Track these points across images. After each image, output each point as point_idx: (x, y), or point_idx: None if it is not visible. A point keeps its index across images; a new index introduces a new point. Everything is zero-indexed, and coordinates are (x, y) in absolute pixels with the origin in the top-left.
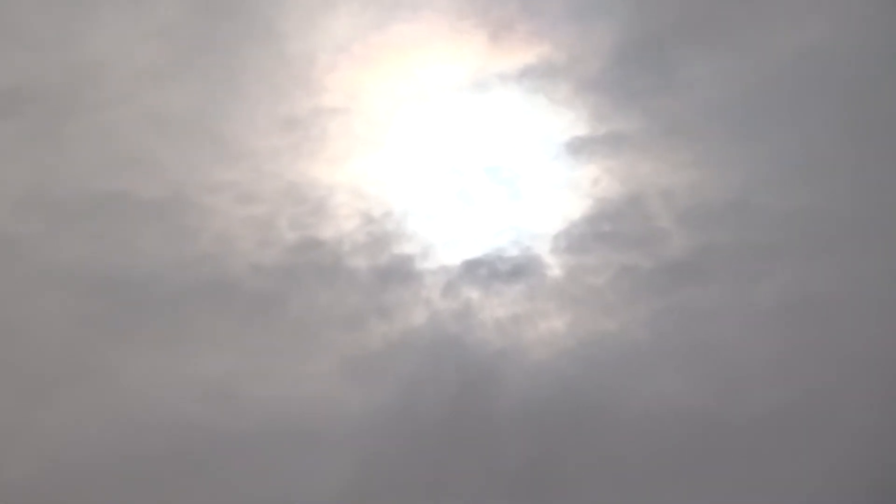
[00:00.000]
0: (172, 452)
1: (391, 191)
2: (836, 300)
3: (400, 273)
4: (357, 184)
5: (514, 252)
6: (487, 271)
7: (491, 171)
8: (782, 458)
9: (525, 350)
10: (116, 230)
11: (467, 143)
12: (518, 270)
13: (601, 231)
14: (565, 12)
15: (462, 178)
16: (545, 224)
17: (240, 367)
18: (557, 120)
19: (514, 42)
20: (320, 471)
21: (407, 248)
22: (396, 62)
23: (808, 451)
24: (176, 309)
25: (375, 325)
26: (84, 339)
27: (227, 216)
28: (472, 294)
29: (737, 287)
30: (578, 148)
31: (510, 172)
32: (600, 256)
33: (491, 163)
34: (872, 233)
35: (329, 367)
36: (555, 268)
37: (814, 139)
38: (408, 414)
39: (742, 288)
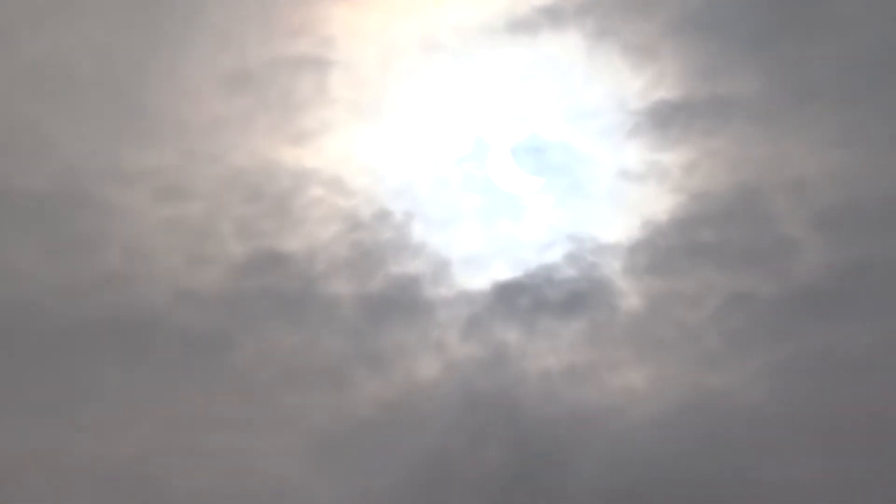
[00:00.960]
0: None
1: (387, 181)
2: None
3: (400, 304)
4: (337, 171)
5: (569, 272)
6: (531, 301)
7: (531, 153)
8: None
9: (588, 419)
10: None
11: (496, 111)
12: (576, 300)
13: (699, 242)
14: None
15: (489, 162)
16: (615, 231)
17: (159, 446)
18: (634, 76)
19: None
20: None
21: (410, 267)
22: None
23: None
24: (64, 356)
25: (363, 382)
26: None
27: (144, 219)
28: (509, 335)
29: None
30: (665, 118)
31: (560, 154)
32: (698, 280)
33: (531, 140)
34: None
35: (293, 445)
36: (630, 296)
37: None
38: None
39: None
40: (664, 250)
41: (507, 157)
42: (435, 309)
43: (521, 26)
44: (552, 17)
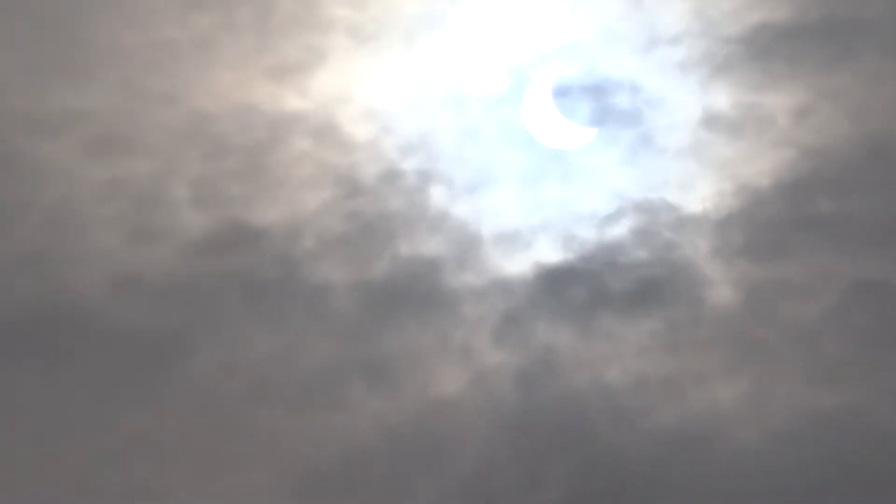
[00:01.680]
0: None
1: (397, 130)
2: None
3: (413, 296)
4: (329, 116)
5: (638, 254)
6: (587, 293)
7: (586, 94)
8: None
9: (667, 449)
10: None
11: (540, 38)
12: (648, 292)
13: (813, 213)
14: None
15: (531, 106)
16: (699, 198)
17: (90, 482)
18: None
19: None
20: None
21: (427, 246)
22: None
23: None
24: None
25: (362, 400)
26: None
27: (72, 180)
28: (558, 337)
29: None
30: (767, 47)
31: (625, 95)
32: (812, 265)
33: (585, 76)
34: None
35: (268, 483)
36: (721, 286)
37: None
38: None
39: None
40: (766, 225)
41: (554, 99)
42: (459, 302)
43: None
44: None
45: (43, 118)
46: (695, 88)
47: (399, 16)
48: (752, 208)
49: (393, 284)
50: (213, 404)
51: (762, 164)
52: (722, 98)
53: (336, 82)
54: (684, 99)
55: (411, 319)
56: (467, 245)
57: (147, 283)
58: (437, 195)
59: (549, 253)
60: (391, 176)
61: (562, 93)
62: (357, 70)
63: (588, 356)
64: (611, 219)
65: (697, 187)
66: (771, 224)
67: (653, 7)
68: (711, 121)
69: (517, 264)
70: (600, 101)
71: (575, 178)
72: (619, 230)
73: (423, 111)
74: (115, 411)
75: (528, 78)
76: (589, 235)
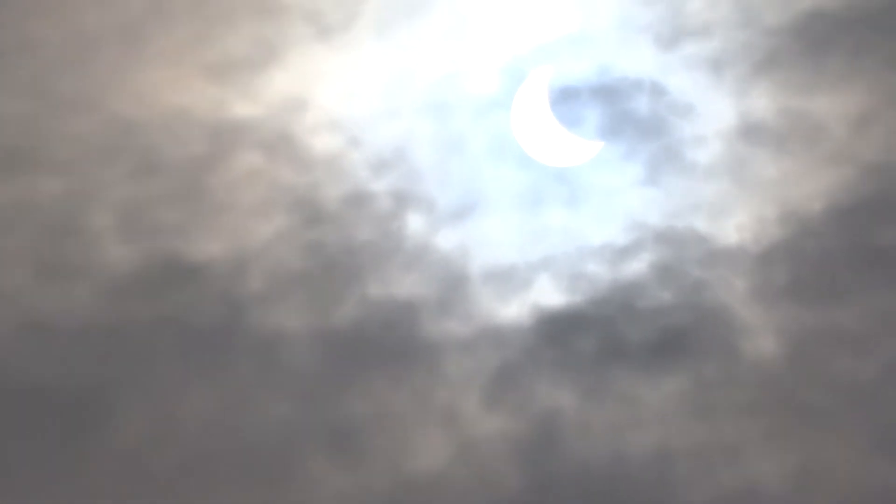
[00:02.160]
0: None
1: (366, 142)
2: None
3: (385, 346)
4: (284, 124)
5: (661, 295)
6: (598, 343)
7: (597, 98)
8: None
9: None
10: None
11: (540, 29)
12: (673, 342)
13: (876, 246)
14: None
15: (529, 112)
16: (735, 227)
17: None
18: None
19: None
20: None
21: (403, 285)
22: None
23: None
24: None
25: (323, 474)
26: None
27: None
28: (562, 397)
29: None
30: (819, 39)
31: (644, 100)
32: (874, 309)
33: (596, 76)
34: None
35: None
36: (762, 335)
37: None
38: None
39: None
40: (817, 260)
41: (556, 104)
42: (442, 355)
43: None
44: None
45: None
46: (730, 91)
47: (369, 0)
48: (801, 239)
49: (360, 333)
50: (141, 479)
51: (813, 185)
52: (764, 103)
53: (292, 83)
54: (717, 104)
55: (383, 376)
56: (452, 284)
57: (60, 329)
58: (416, 223)
59: (552, 294)
60: (359, 199)
61: (566, 96)
62: (318, 68)
63: (600, 422)
64: (627, 252)
65: (734, 213)
66: (823, 259)
67: None
68: (751, 131)
69: (513, 308)
70: (613, 107)
71: (582, 202)
72: (638, 266)
73: (399, 119)
74: (20, 489)
75: (525, 77)
76: (600, 273)
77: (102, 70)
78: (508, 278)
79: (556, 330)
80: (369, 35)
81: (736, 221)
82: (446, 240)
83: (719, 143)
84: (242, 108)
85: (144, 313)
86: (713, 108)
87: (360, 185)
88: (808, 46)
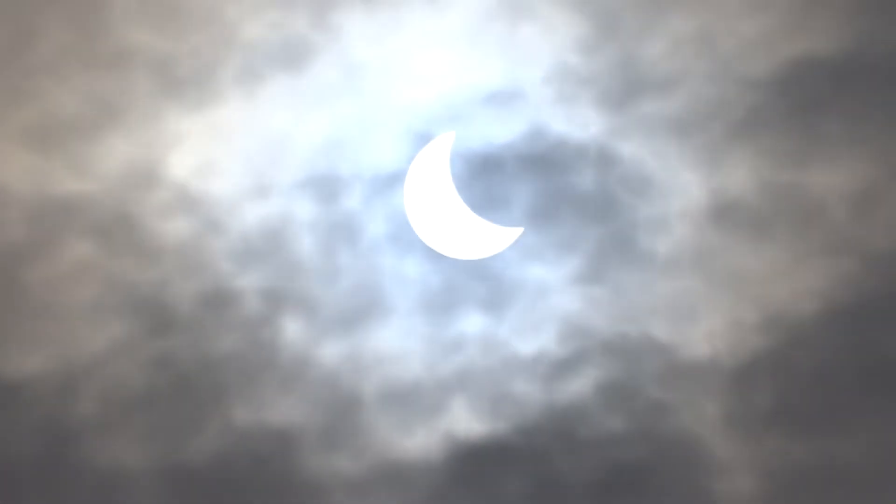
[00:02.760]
0: None
1: (227, 225)
2: None
3: (255, 484)
4: (125, 201)
5: (610, 422)
6: (531, 482)
7: (520, 168)
8: None
9: None
10: None
11: (447, 79)
12: (628, 481)
13: (881, 356)
14: None
15: (426, 191)
16: (703, 334)
17: None
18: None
19: None
20: None
21: (276, 407)
22: None
23: None
24: None
25: None
26: None
27: None
28: None
29: None
30: (807, 95)
31: (578, 170)
32: (882, 440)
33: (511, 145)
34: None
35: None
36: (739, 473)
37: None
38: None
39: None
40: (809, 376)
41: (474, 177)
42: (327, 497)
43: None
44: None
45: None
46: (699, 161)
47: (233, 44)
48: (789, 350)
49: (223, 470)
50: None
51: (804, 281)
52: (741, 176)
53: (134, 151)
54: (682, 177)
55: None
56: (340, 409)
57: None
58: (294, 330)
59: (469, 421)
60: (221, 299)
61: (485, 168)
62: (168, 132)
63: None
64: (565, 367)
65: (703, 317)
66: (817, 375)
67: (634, 32)
68: (725, 212)
69: (418, 439)
70: (547, 181)
71: (506, 304)
72: (579, 385)
73: (272, 197)
74: None
75: (431, 143)
76: (531, 393)
77: None
78: (412, 401)
79: (475, 467)
80: (234, 90)
81: (705, 328)
82: (333, 352)
83: (684, 228)
84: (71, 184)
85: None
86: (677, 183)
87: (221, 281)
88: (796, 104)
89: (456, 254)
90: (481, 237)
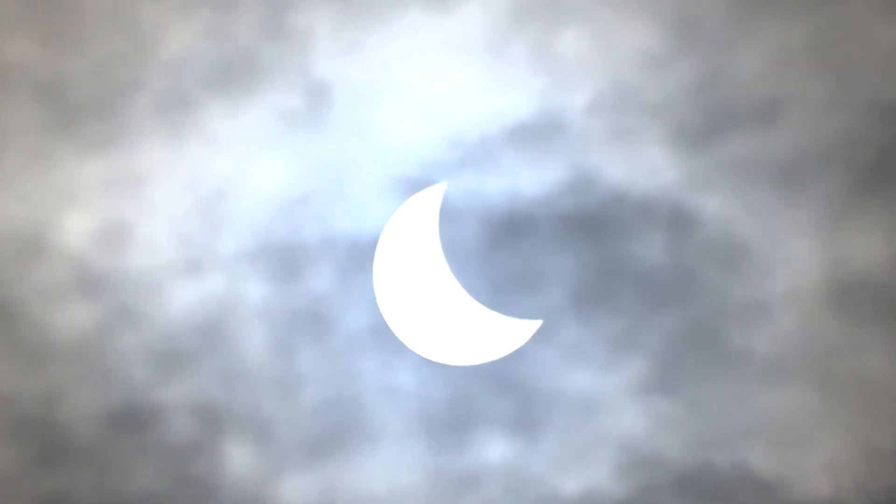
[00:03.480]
0: None
1: (139, 315)
2: None
3: None
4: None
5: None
6: None
7: (535, 241)
8: None
9: None
10: None
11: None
12: None
13: None
14: None
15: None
16: (815, 462)
17: None
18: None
19: None
20: None
21: None
22: None
23: None
24: None
25: None
26: None
27: None
28: None
29: None
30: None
31: (617, 239)
32: None
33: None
34: None
35: None
36: None
37: None
38: None
39: None
40: None
41: (474, 247)
42: None
43: None
44: None
45: None
46: (814, 222)
47: (151, 61)
48: None
49: None
50: None
51: None
52: (872, 243)
53: (12, 208)
54: (791, 246)
55: None
56: None
57: None
58: (240, 462)
59: None
60: (136, 418)
61: (509, 231)
62: (59, 180)
63: None
64: None
65: (820, 441)
66: None
67: (721, 41)
68: (850, 294)
69: None
70: (598, 251)
71: (541, 421)
72: None
73: (205, 274)
74: None
75: (416, 197)
76: None
77: None
78: None
79: None
80: (153, 124)
81: (824, 456)
82: (296, 491)
83: (793, 316)
84: None
85: None
86: (782, 254)
87: (136, 393)
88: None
89: (458, 358)
90: (495, 330)
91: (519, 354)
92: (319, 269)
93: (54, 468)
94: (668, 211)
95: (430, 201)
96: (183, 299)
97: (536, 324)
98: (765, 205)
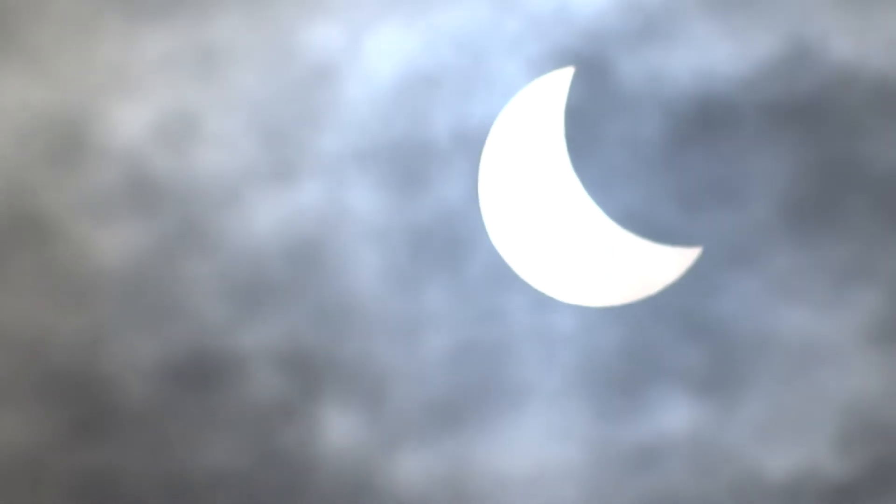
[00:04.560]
0: None
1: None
2: None
3: None
4: None
5: None
6: None
7: None
8: None
9: None
10: None
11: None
12: None
13: None
14: None
15: None
16: None
17: None
18: None
19: None
20: None
21: None
22: None
23: None
24: None
25: None
26: None
27: None
28: None
29: None
30: None
31: None
32: None
33: None
34: None
35: None
36: None
37: None
38: None
39: None
40: None
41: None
42: None
43: None
44: None
45: None
46: None
47: None
48: None
49: None
50: None
51: None
52: None
53: (46, 88)
54: None
55: None
56: None
57: None
58: (342, 433)
59: None
60: (208, 369)
61: (704, 123)
62: (102, 56)
63: None
64: (854, 498)
65: None
66: None
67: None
68: None
69: None
70: (822, 146)
71: (739, 379)
72: None
73: (287, 190)
74: None
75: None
76: None
77: None
78: None
79: None
80: None
81: None
82: (413, 471)
83: None
84: None
85: None
86: None
87: (204, 340)
88: None
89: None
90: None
91: (712, 287)
92: (451, 174)
93: (98, 437)
94: None
95: (555, 89)
96: (269, 214)
97: (694, 252)
98: None
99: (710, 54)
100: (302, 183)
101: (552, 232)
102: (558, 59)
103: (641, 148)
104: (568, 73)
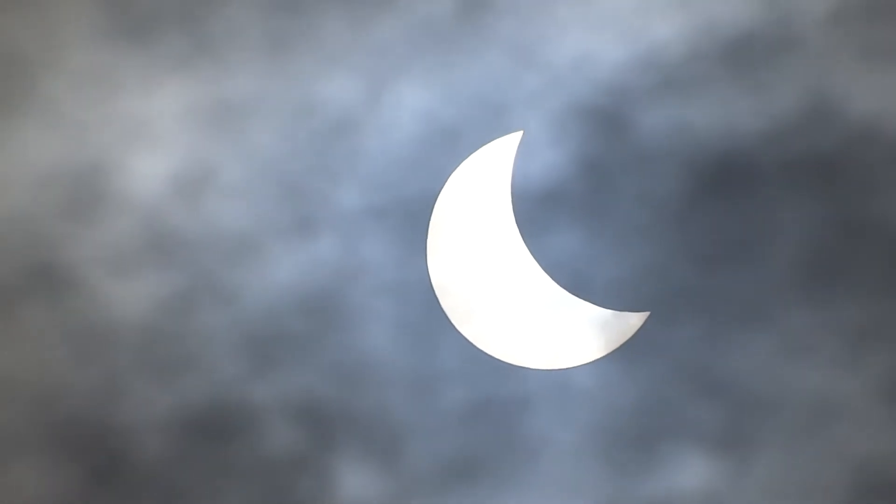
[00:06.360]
0: None
1: None
2: None
3: None
4: None
5: None
6: None
7: None
8: None
9: None
10: None
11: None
12: None
13: None
14: None
15: None
16: None
17: None
18: None
19: None
20: None
21: None
22: None
23: None
24: None
25: None
26: None
27: None
28: None
29: None
30: None
31: None
32: None
33: None
34: None
35: None
36: None
37: None
38: None
39: None
40: None
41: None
42: None
43: None
44: None
45: None
46: None
47: None
48: None
49: None
50: None
51: None
52: None
53: (66, 139)
54: None
55: None
56: None
57: None
58: (355, 485)
59: None
60: (223, 421)
61: (694, 196)
62: (121, 109)
63: None
64: None
65: None
66: None
67: None
68: None
69: None
70: (841, 204)
71: (755, 434)
72: None
73: (305, 243)
74: None
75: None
76: None
77: None
78: None
79: None
80: (245, 44)
81: None
82: None
83: None
84: None
85: None
86: None
87: (219, 392)
88: None
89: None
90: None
91: (727, 345)
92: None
93: (113, 488)
94: None
95: (503, 154)
96: (286, 267)
97: (642, 317)
98: None
99: (731, 110)
100: (319, 236)
101: (508, 301)
102: (578, 113)
103: (659, 203)
104: (516, 137)
